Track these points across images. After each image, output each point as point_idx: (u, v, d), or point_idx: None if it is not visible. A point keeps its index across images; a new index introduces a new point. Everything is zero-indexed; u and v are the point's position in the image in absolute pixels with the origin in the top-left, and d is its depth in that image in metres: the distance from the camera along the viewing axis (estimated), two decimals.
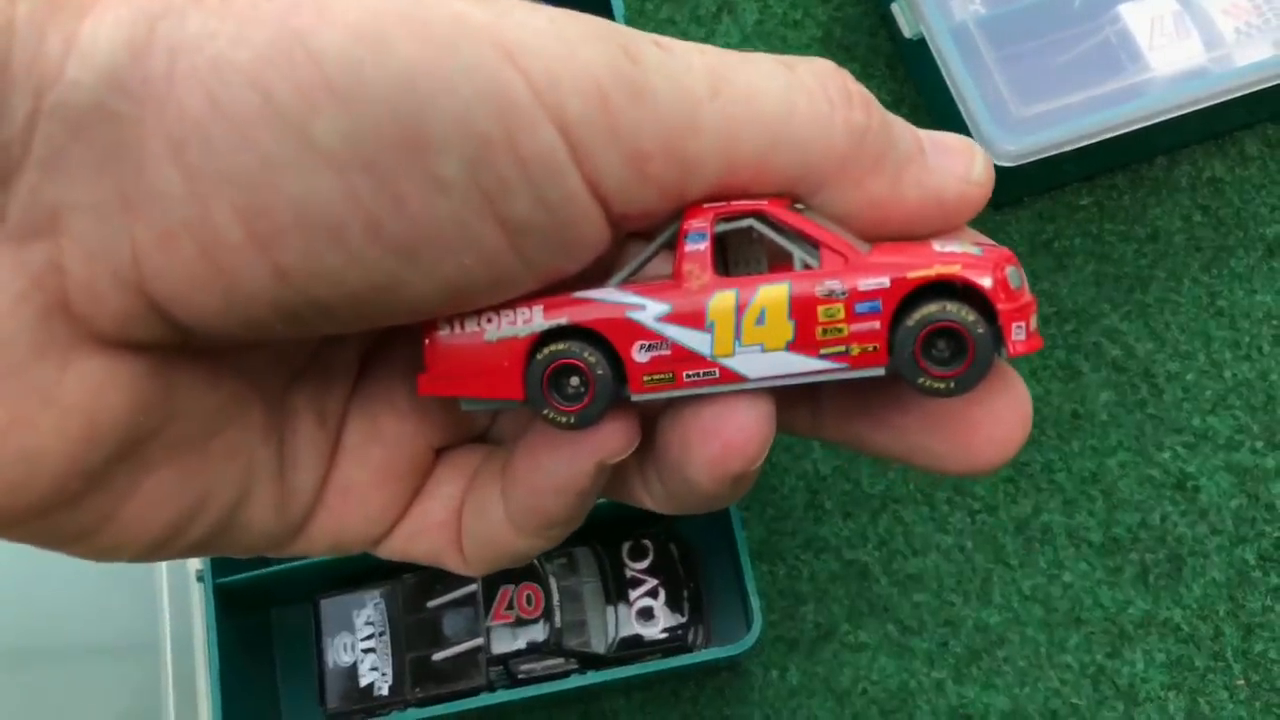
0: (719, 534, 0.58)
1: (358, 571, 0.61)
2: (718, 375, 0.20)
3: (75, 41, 0.17)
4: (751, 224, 0.20)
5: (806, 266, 0.20)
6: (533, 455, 0.23)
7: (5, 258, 0.17)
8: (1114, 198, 0.65)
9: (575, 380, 0.21)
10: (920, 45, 0.60)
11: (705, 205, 0.21)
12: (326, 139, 0.17)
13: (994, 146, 0.57)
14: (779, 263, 0.21)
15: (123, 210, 0.17)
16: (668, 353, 0.21)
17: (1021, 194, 0.65)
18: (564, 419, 0.21)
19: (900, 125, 0.21)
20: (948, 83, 0.58)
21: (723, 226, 0.21)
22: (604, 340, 0.21)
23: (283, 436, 0.23)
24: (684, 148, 0.19)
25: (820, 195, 0.21)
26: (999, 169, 0.56)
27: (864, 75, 0.68)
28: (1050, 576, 0.58)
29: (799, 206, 0.21)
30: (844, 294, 0.20)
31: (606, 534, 0.60)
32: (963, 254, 0.20)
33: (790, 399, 0.24)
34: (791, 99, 0.20)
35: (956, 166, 0.21)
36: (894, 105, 0.67)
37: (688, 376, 0.21)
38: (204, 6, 0.17)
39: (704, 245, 0.20)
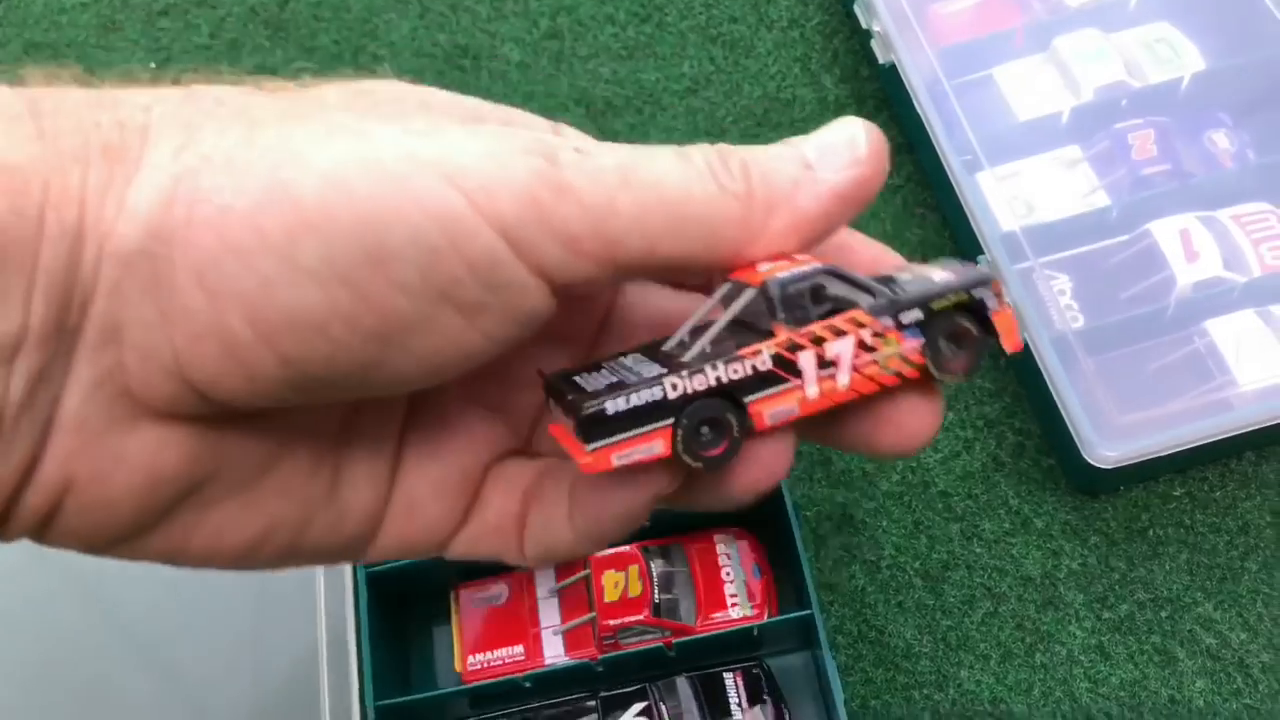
0: None
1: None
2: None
3: (123, 204, 0.23)
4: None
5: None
6: (599, 490, 0.28)
7: (84, 363, 0.23)
8: (1205, 490, 0.70)
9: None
10: (1024, 349, 0.67)
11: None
12: (308, 262, 0.23)
13: (1095, 452, 0.62)
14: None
15: (163, 323, 0.23)
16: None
17: (1118, 485, 0.70)
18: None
19: (782, 159, 0.26)
20: (1049, 388, 0.64)
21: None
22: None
23: (338, 468, 0.29)
24: (608, 227, 0.24)
25: (744, 252, 0.26)
26: (1098, 470, 0.62)
27: None
28: None
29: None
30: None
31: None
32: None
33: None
34: (687, 183, 0.25)
35: (841, 157, 0.26)
36: (995, 394, 0.73)
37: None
38: (212, 165, 0.23)
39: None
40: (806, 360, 0.26)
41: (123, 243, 0.23)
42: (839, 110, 0.85)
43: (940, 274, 0.28)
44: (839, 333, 0.26)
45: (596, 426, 0.26)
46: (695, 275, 0.29)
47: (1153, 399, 0.65)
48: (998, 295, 0.27)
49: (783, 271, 0.26)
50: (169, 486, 0.25)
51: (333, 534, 0.29)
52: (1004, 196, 0.73)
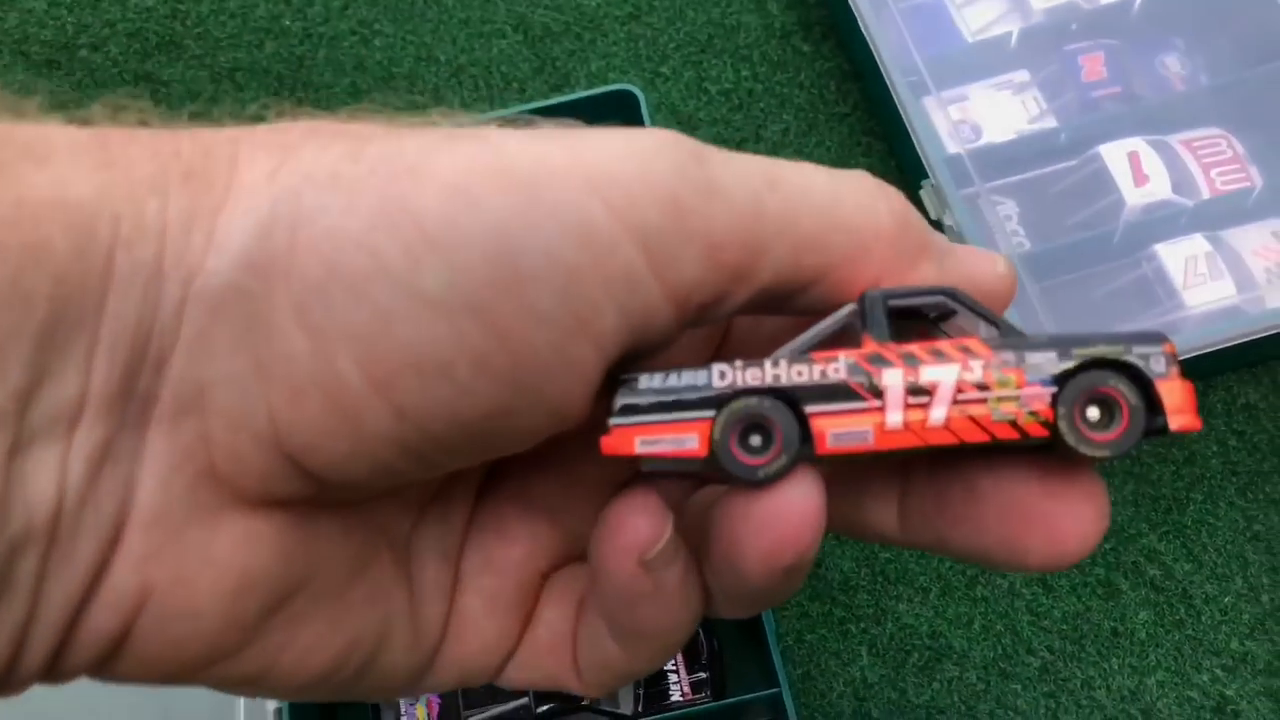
0: None
1: None
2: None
3: (213, 235, 0.19)
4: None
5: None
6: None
7: (159, 436, 0.20)
8: None
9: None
10: None
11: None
12: (432, 288, 0.19)
13: None
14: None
15: (258, 378, 0.20)
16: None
17: None
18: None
19: (934, 230, 0.24)
20: None
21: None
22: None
23: (411, 575, 0.25)
24: (752, 233, 0.21)
25: (883, 280, 0.23)
26: None
27: None
28: None
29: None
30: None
31: None
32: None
33: (878, 500, 0.25)
34: (838, 190, 0.22)
35: (984, 263, 0.24)
36: None
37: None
38: (316, 183, 0.20)
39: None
40: (892, 379, 0.21)
41: (212, 280, 0.19)
42: (785, 37, 0.82)
43: (1111, 334, 0.23)
44: (942, 357, 0.22)
45: (627, 401, 0.22)
46: (821, 303, 0.24)
47: (1099, 324, 0.63)
48: (1170, 358, 0.22)
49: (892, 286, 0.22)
50: (260, 594, 0.21)
51: (407, 653, 0.25)
52: (951, 121, 0.71)
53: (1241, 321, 0.61)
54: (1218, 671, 0.61)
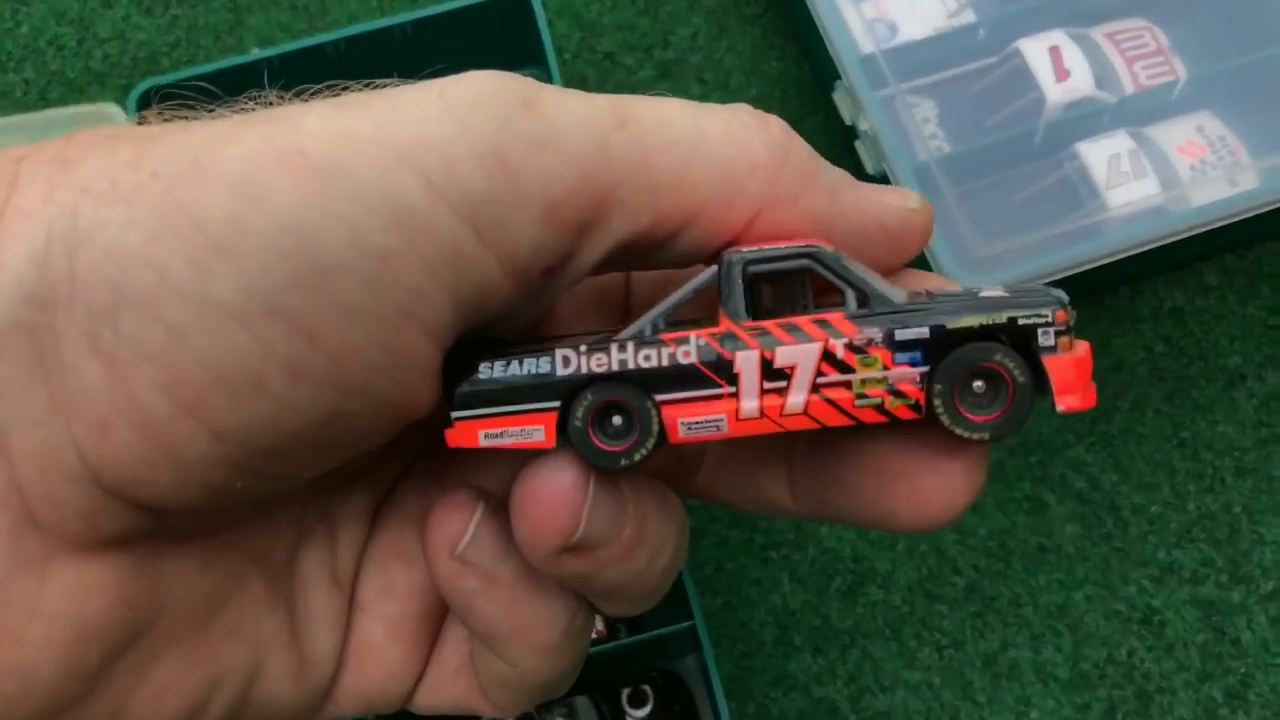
0: (701, 671, 0.58)
1: None
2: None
3: None
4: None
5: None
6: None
7: None
8: (1077, 328, 0.65)
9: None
10: (883, 181, 0.61)
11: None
12: (225, 296, 0.18)
13: None
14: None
15: (57, 414, 0.18)
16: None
17: None
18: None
19: (826, 161, 0.22)
20: None
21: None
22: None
23: (294, 603, 0.24)
24: (596, 183, 0.19)
25: (763, 216, 0.21)
26: None
27: None
28: (1018, 714, 0.58)
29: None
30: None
31: (607, 681, 0.59)
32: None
33: (770, 473, 0.24)
34: (701, 123, 0.21)
35: (892, 198, 0.22)
36: None
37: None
38: (94, 196, 0.18)
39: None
40: (746, 362, 0.20)
41: None
42: None
43: (993, 292, 0.21)
44: (800, 335, 0.20)
45: (467, 392, 0.20)
46: (696, 250, 0.22)
47: (1019, 228, 0.60)
48: (1062, 330, 0.20)
49: (753, 248, 0.20)
50: (99, 641, 0.20)
51: (291, 684, 0.23)
52: (865, 19, 0.67)
53: (1166, 221, 0.59)
54: (1145, 582, 0.60)
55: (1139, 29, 0.67)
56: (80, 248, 0.18)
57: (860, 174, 0.68)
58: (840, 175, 0.22)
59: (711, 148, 0.20)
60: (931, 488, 0.22)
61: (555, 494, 0.21)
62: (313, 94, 0.20)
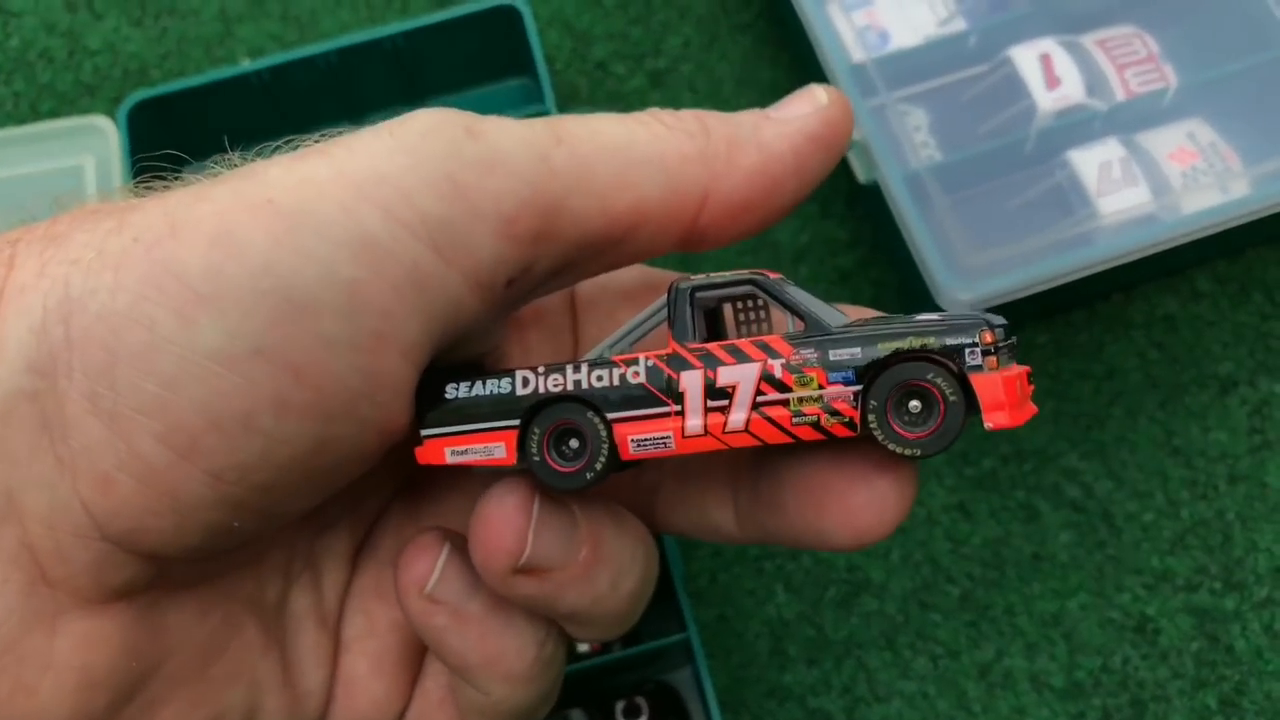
0: (695, 685, 0.58)
1: None
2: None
3: None
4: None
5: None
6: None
7: None
8: (1070, 335, 0.66)
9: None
10: (875, 190, 0.61)
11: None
12: (211, 343, 0.19)
13: (947, 294, 0.57)
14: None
15: (62, 473, 0.19)
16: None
17: None
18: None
19: (735, 115, 0.24)
20: (901, 231, 0.59)
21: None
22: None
23: (285, 644, 0.25)
24: (545, 194, 0.21)
25: (712, 196, 0.23)
26: None
27: (822, 214, 0.69)
28: None
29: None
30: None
31: (601, 693, 0.59)
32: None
33: (718, 501, 0.26)
34: (630, 129, 0.22)
35: (804, 106, 0.24)
36: (850, 244, 0.68)
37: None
38: (82, 267, 0.19)
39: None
40: (691, 382, 0.21)
41: None
42: None
43: (928, 317, 0.22)
44: (741, 357, 0.21)
45: (435, 410, 0.22)
46: (657, 245, 0.24)
47: (1011, 236, 0.60)
48: (989, 351, 0.21)
49: (701, 277, 0.22)
50: (107, 690, 0.21)
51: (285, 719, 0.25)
52: (856, 27, 0.67)
53: (1158, 229, 0.59)
54: (1139, 590, 0.60)
55: (1129, 36, 0.67)
56: (74, 315, 0.19)
57: (851, 183, 0.68)
58: (752, 120, 0.24)
59: (643, 149, 0.22)
60: (862, 505, 0.23)
61: (500, 516, 0.22)
62: (273, 150, 0.22)
